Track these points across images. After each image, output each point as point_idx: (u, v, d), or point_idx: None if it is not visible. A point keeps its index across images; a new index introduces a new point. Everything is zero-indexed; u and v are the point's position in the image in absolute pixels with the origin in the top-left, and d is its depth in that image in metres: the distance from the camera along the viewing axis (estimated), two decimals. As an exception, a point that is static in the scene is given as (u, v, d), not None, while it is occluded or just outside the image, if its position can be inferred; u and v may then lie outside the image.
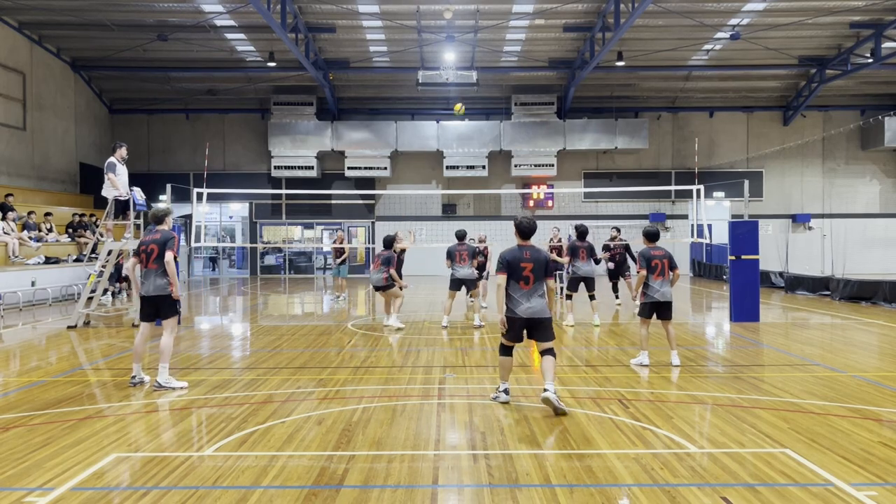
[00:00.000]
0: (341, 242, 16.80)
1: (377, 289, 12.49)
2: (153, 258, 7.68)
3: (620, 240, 16.78)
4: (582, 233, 12.90)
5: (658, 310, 8.87)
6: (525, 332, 6.81)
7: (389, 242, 12.50)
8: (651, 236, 9.13)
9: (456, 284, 12.72)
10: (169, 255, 7.64)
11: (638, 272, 8.98)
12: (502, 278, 6.72)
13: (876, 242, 28.21)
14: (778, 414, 6.53)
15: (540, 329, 6.74)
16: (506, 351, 6.95)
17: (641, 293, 8.91)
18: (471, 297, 13.97)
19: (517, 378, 8.28)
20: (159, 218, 7.96)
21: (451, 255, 12.76)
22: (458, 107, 16.39)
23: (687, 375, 8.32)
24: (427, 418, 6.47)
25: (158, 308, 7.74)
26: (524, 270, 6.70)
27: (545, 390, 6.54)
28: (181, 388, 7.61)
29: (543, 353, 6.77)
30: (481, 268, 15.21)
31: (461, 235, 13.03)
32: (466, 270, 12.70)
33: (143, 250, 7.75)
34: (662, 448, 5.53)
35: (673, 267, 8.93)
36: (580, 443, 5.68)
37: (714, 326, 13.81)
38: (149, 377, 7.97)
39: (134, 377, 7.83)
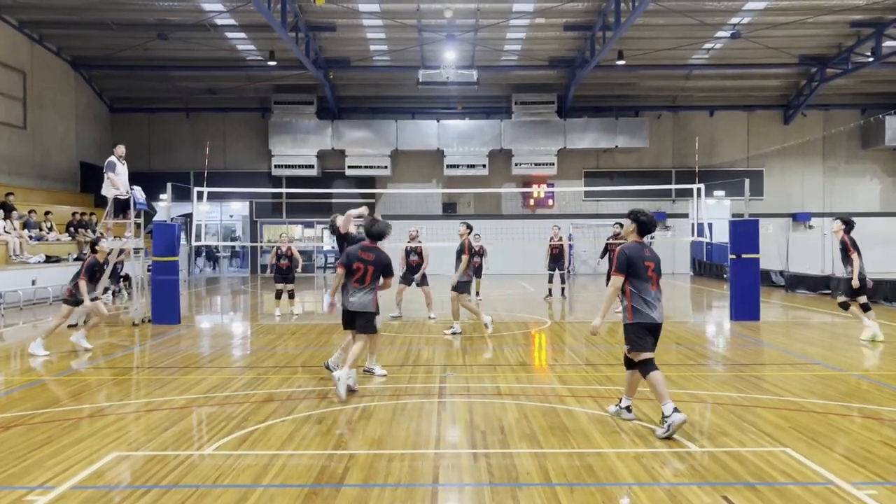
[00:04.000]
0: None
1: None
2: (369, 276, 7.47)
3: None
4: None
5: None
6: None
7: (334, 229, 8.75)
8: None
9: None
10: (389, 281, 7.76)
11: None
12: (620, 279, 5.88)
13: (876, 241, 27.99)
14: (778, 413, 6.52)
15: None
16: (652, 365, 5.94)
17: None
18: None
19: (517, 377, 8.28)
20: (379, 235, 7.68)
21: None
22: None
23: (687, 374, 8.31)
24: (427, 417, 6.47)
25: (356, 319, 7.57)
26: (648, 270, 5.91)
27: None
28: (381, 375, 8.18)
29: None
30: (415, 269, 13.78)
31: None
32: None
33: (357, 267, 7.47)
34: (663, 447, 5.53)
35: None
36: (580, 442, 5.68)
37: (714, 325, 13.82)
38: (379, 368, 8.32)
39: (365, 368, 8.30)
